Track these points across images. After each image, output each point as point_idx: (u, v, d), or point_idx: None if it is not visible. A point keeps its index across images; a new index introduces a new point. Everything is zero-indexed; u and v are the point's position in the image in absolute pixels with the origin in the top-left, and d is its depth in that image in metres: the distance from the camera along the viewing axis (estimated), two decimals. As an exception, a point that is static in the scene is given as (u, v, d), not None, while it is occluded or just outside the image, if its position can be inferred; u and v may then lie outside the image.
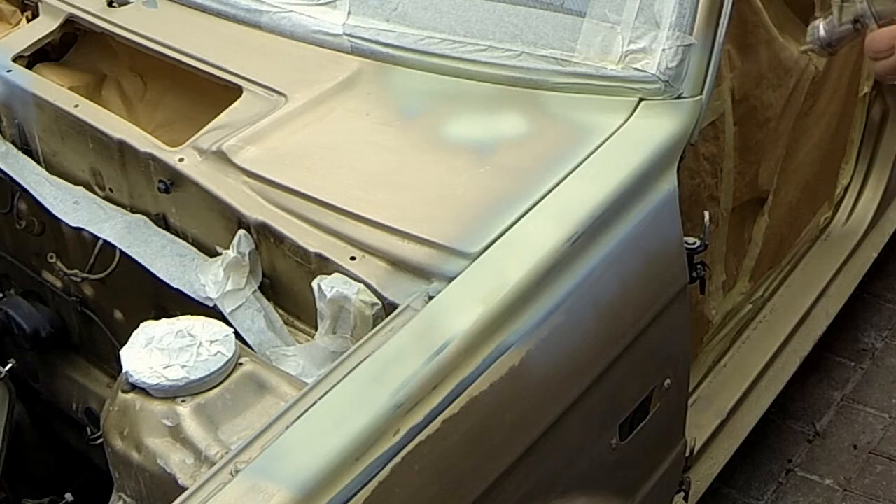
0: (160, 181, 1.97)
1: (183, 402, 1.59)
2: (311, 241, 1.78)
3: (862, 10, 1.66)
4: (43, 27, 2.33)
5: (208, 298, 1.82)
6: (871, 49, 1.65)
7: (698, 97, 1.90)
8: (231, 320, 1.78)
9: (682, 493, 2.22)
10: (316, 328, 1.74)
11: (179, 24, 2.25)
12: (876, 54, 1.65)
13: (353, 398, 1.52)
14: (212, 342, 1.63)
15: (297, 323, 1.85)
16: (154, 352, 1.62)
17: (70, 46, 2.37)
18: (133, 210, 2.05)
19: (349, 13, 2.13)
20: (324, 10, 2.16)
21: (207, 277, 1.84)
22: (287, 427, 1.48)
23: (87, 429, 2.14)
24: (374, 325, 1.66)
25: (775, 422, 2.82)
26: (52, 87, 2.18)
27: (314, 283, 1.72)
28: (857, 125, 2.83)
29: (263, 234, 1.83)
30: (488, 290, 1.63)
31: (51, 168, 2.15)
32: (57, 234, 2.17)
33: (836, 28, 1.72)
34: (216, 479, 1.44)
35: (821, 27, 1.74)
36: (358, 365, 1.56)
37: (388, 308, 1.67)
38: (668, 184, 1.83)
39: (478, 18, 2.03)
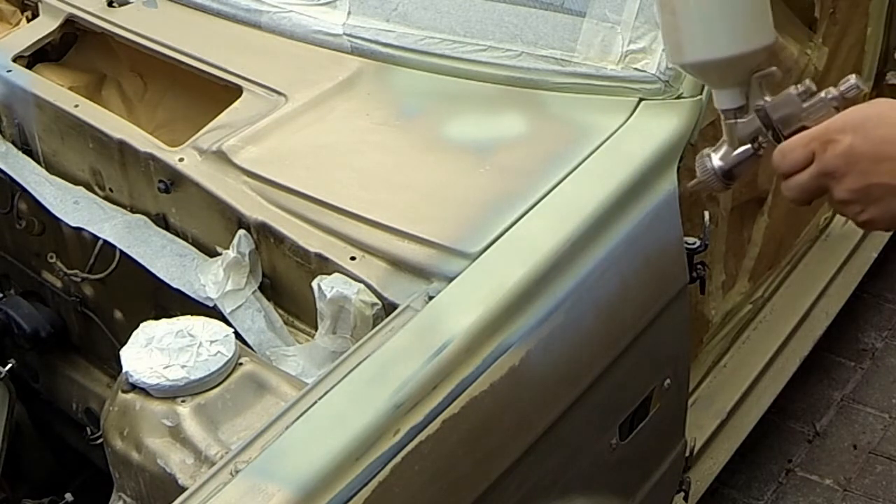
0: (160, 181, 1.97)
1: (183, 402, 1.59)
2: (311, 241, 1.78)
3: (762, 124, 1.40)
4: (43, 27, 2.33)
5: (208, 298, 1.82)
6: (784, 165, 1.35)
7: (698, 97, 1.90)
8: (231, 320, 1.78)
9: (682, 493, 2.22)
10: (316, 328, 1.74)
11: (179, 24, 2.25)
12: (791, 168, 1.34)
13: (353, 398, 1.52)
14: (212, 342, 1.63)
15: (297, 323, 1.85)
16: (154, 352, 1.62)
17: (70, 46, 2.38)
18: (133, 210, 2.05)
19: (349, 13, 2.14)
20: (324, 10, 2.16)
21: (207, 277, 1.84)
22: (287, 427, 1.48)
23: (87, 429, 2.14)
24: (374, 325, 1.66)
25: (775, 422, 2.82)
26: (52, 87, 2.18)
27: (314, 283, 1.72)
28: (857, 125, 2.83)
29: (263, 234, 1.83)
30: (488, 290, 1.63)
31: (51, 168, 2.15)
32: (57, 234, 2.17)
33: (731, 154, 1.44)
34: (216, 479, 1.44)
35: (713, 157, 1.45)
36: (358, 365, 1.56)
37: (388, 308, 1.67)
38: (668, 184, 1.83)
39: (478, 18, 2.03)
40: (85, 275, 2.14)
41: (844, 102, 1.37)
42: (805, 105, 1.38)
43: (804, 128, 1.37)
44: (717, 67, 1.42)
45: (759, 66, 1.42)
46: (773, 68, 1.43)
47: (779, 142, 1.38)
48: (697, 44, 1.41)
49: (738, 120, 1.43)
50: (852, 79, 1.38)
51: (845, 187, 1.32)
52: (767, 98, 1.41)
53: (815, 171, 1.33)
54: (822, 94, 1.38)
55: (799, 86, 1.39)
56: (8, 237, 2.34)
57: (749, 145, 1.43)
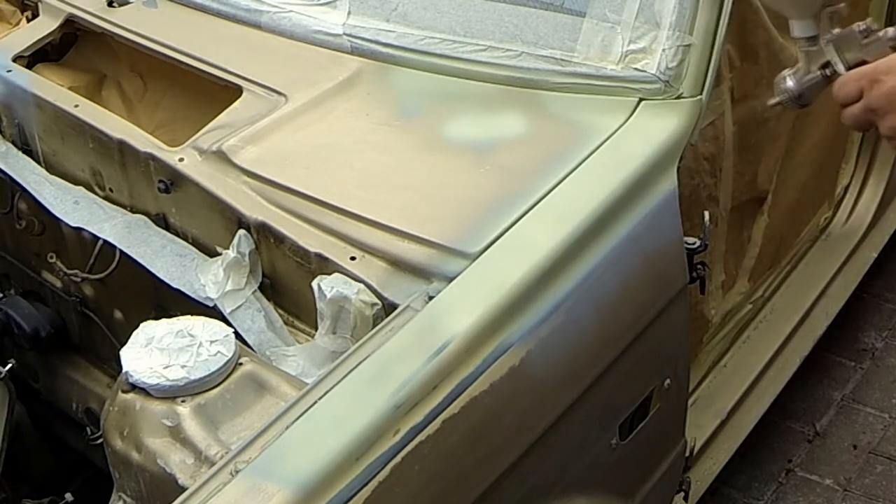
0: (160, 181, 1.97)
1: (183, 402, 1.59)
2: (311, 241, 1.78)
3: (830, 55, 1.60)
4: (43, 27, 2.33)
5: (208, 298, 1.82)
6: (840, 95, 1.54)
7: (698, 97, 1.90)
8: (231, 320, 1.78)
9: (682, 493, 2.22)
10: (316, 328, 1.74)
11: (179, 24, 2.25)
12: (845, 99, 1.53)
13: (353, 398, 1.52)
14: (212, 342, 1.63)
15: (297, 323, 1.85)
16: (154, 352, 1.62)
17: (70, 46, 2.37)
18: (133, 210, 2.05)
19: (349, 13, 2.14)
20: (324, 10, 2.16)
21: (207, 277, 1.84)
22: (287, 427, 1.48)
23: (87, 429, 2.14)
24: (374, 325, 1.66)
25: (775, 422, 2.82)
26: (52, 87, 2.18)
27: (314, 283, 1.72)
28: (858, 124, 2.83)
29: (263, 234, 1.83)
30: (488, 290, 1.63)
31: (51, 168, 2.15)
32: (57, 234, 2.17)
33: (804, 77, 1.64)
34: (216, 479, 1.44)
35: (788, 79, 1.66)
36: (358, 365, 1.56)
37: (388, 308, 1.67)
38: (668, 184, 1.83)
39: (478, 18, 2.03)
40: (85, 275, 2.14)
41: None
42: (864, 42, 1.57)
43: (865, 61, 1.55)
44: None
45: (831, 1, 1.60)
46: (843, 4, 1.62)
47: (842, 72, 1.57)
48: None
49: (811, 48, 1.62)
50: None
51: (888, 124, 1.49)
52: (835, 31, 1.60)
53: (862, 106, 1.50)
54: (881, 33, 1.56)
55: (862, 24, 1.57)
56: (8, 237, 2.34)
57: (819, 72, 1.61)
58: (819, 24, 1.61)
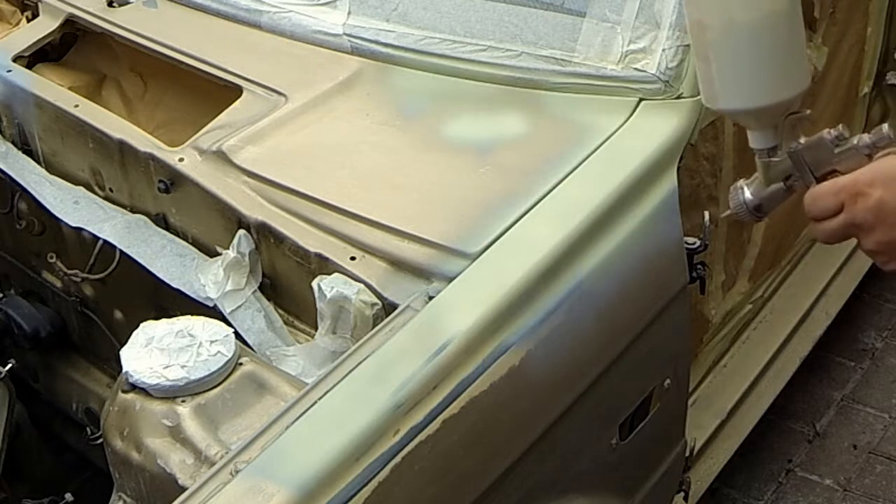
0: (160, 181, 1.97)
1: (183, 402, 1.59)
2: (311, 241, 1.78)
3: (794, 165, 1.43)
4: (43, 27, 2.33)
5: (208, 298, 1.82)
6: (814, 210, 1.38)
7: (698, 97, 1.89)
8: (231, 320, 1.78)
9: (682, 493, 2.22)
10: (316, 328, 1.74)
11: (179, 24, 2.26)
12: (820, 215, 1.37)
13: (353, 398, 1.52)
14: (212, 342, 1.63)
15: (297, 323, 1.85)
16: (154, 352, 1.63)
17: (70, 46, 2.38)
18: (133, 210, 2.05)
19: (349, 13, 2.14)
20: (324, 10, 2.16)
21: (207, 277, 1.84)
22: (287, 427, 1.48)
23: (87, 429, 2.14)
24: (374, 325, 1.66)
25: (775, 422, 2.82)
26: (52, 87, 2.18)
27: (314, 283, 1.72)
28: (857, 125, 2.83)
29: (263, 234, 1.84)
30: (488, 290, 1.63)
31: (51, 168, 2.15)
32: (57, 234, 2.17)
33: (763, 189, 1.47)
34: (216, 479, 1.44)
35: (745, 190, 1.48)
36: (358, 365, 1.56)
37: (388, 308, 1.67)
38: (668, 184, 1.83)
39: (478, 18, 2.03)
40: (85, 275, 2.14)
41: (875, 151, 1.39)
42: (837, 151, 1.40)
43: (835, 171, 1.39)
44: (751, 113, 1.44)
45: (793, 109, 1.43)
46: (808, 111, 1.45)
47: (810, 183, 1.41)
48: (731, 93, 1.43)
49: (772, 159, 1.45)
50: (884, 129, 1.39)
51: (874, 239, 1.35)
52: (801, 140, 1.43)
53: (843, 221, 1.36)
54: (855, 140, 1.40)
55: (832, 131, 1.41)
56: (8, 237, 2.34)
57: (781, 183, 1.45)
58: (780, 134, 1.43)
